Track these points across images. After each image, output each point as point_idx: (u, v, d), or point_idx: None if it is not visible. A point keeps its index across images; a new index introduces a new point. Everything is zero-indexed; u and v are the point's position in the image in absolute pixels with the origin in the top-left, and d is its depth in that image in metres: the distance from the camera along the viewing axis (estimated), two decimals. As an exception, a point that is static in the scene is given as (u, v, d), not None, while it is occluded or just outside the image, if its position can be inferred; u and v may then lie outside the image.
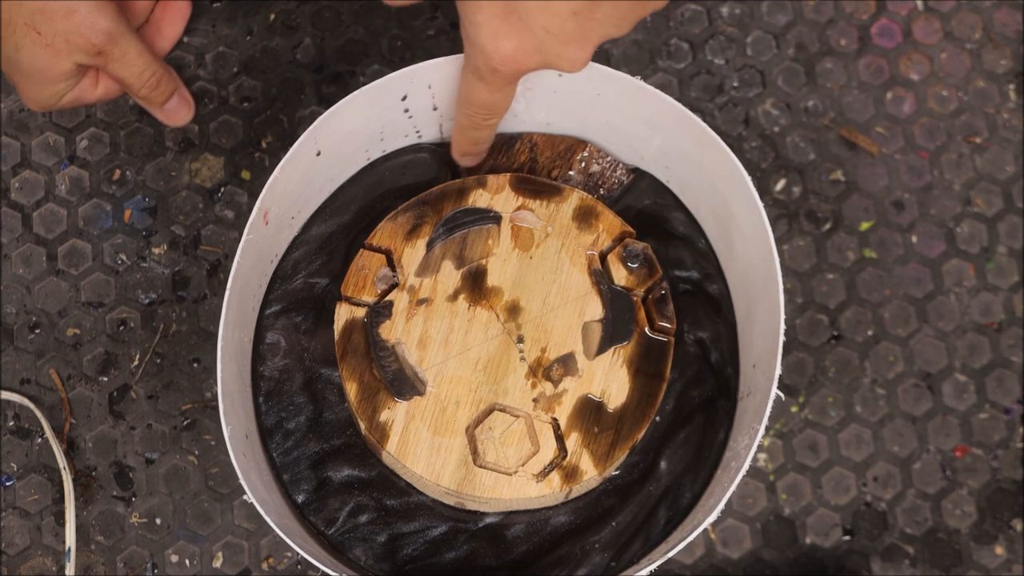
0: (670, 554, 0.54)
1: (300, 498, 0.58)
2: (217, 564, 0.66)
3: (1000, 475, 0.69)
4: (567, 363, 0.59)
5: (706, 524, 0.54)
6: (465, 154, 0.62)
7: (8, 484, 0.67)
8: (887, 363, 0.70)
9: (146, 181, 0.71)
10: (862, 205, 0.72)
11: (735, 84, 0.74)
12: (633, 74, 0.59)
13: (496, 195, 0.61)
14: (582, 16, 0.50)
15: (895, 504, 0.68)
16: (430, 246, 0.60)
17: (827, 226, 0.72)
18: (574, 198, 0.62)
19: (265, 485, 0.56)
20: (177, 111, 0.68)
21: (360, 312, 0.59)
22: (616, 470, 0.59)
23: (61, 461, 0.66)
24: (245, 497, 0.65)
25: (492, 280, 0.60)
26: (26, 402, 0.68)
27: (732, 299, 0.62)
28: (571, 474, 0.57)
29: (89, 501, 0.67)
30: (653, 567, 0.54)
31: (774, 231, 0.63)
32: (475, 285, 0.60)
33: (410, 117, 0.62)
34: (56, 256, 0.70)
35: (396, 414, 0.58)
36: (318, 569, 0.62)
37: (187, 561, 0.66)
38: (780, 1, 0.75)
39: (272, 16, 0.74)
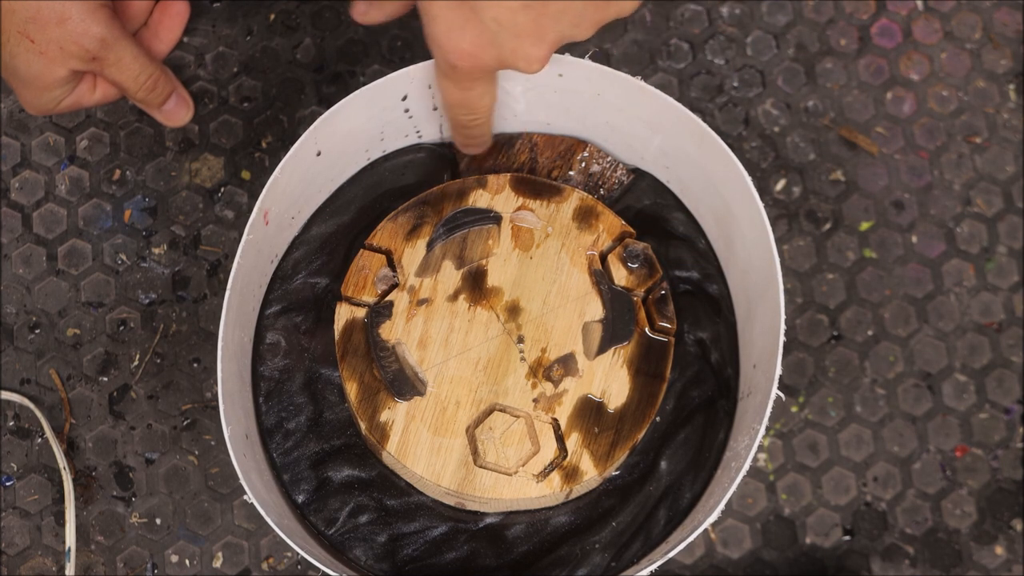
0: (670, 554, 0.54)
1: (300, 498, 0.58)
2: (217, 564, 0.66)
3: (1000, 475, 0.69)
4: (567, 363, 0.59)
5: (706, 524, 0.54)
6: (465, 147, 0.62)
7: (8, 484, 0.67)
8: (887, 363, 0.70)
9: (146, 181, 0.71)
10: (862, 205, 0.72)
11: (735, 84, 0.74)
12: (633, 74, 0.59)
13: (496, 195, 0.61)
14: (534, 11, 0.50)
15: (895, 504, 0.68)
16: (430, 246, 0.60)
17: (827, 226, 0.72)
18: (574, 198, 0.62)
19: (265, 485, 0.56)
20: (176, 112, 0.68)
21: (360, 312, 0.59)
22: (616, 470, 0.59)
23: (61, 461, 0.66)
24: (245, 497, 0.65)
25: (492, 280, 0.60)
26: (26, 402, 0.68)
27: (732, 299, 0.62)
28: (571, 474, 0.57)
29: (89, 501, 0.67)
30: (653, 567, 0.54)
31: (774, 231, 0.63)
32: (475, 285, 0.60)
33: (410, 117, 0.62)
34: (56, 256, 0.70)
35: (396, 414, 0.58)
36: (318, 569, 0.62)
37: (187, 561, 0.66)
38: (780, 1, 0.75)
39: (272, 16, 0.74)
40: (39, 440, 0.68)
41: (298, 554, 0.62)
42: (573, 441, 0.58)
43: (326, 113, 0.58)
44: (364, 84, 0.59)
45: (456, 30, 0.51)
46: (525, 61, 0.52)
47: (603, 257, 0.61)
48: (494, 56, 0.52)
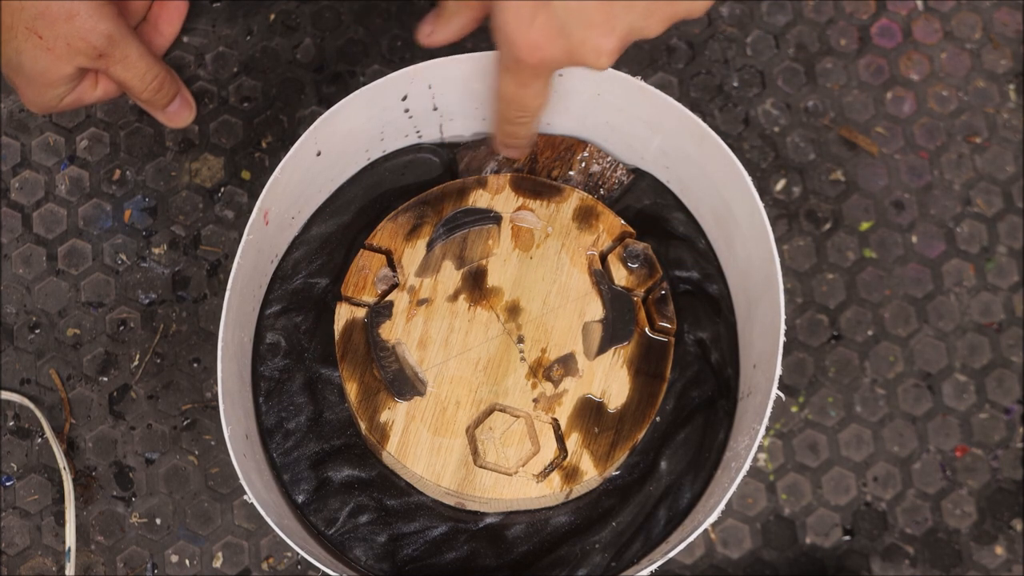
0: (670, 554, 0.54)
1: (300, 498, 0.58)
2: (217, 564, 0.66)
3: (1000, 475, 0.69)
4: (567, 363, 0.59)
5: (706, 524, 0.54)
6: (505, 146, 0.61)
7: (8, 484, 0.67)
8: (887, 363, 0.70)
9: (146, 181, 0.71)
10: (862, 205, 0.72)
11: (735, 84, 0.74)
12: (633, 74, 0.59)
13: (496, 195, 0.61)
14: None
15: (895, 504, 0.68)
16: (430, 246, 0.60)
17: (827, 226, 0.72)
18: (574, 198, 0.62)
19: (265, 485, 0.57)
20: (179, 113, 0.68)
21: (360, 312, 0.59)
22: (616, 470, 0.59)
23: (61, 461, 0.66)
24: (245, 497, 0.65)
25: (492, 280, 0.60)
26: (26, 402, 0.68)
27: (732, 299, 0.62)
28: (571, 474, 0.57)
29: (89, 501, 0.67)
30: (653, 567, 0.54)
31: (774, 231, 0.63)
32: (475, 285, 0.60)
33: (410, 117, 0.62)
34: (56, 256, 0.70)
35: (396, 414, 0.58)
36: (318, 569, 0.62)
37: (187, 561, 0.66)
38: (780, 1, 0.75)
39: (272, 16, 0.74)
40: (39, 440, 0.68)
41: (298, 554, 0.62)
42: (573, 441, 0.58)
43: (326, 113, 0.58)
44: (364, 84, 0.59)
45: (526, 21, 0.51)
46: (594, 53, 0.52)
47: (603, 257, 0.61)
48: (562, 48, 0.52)
